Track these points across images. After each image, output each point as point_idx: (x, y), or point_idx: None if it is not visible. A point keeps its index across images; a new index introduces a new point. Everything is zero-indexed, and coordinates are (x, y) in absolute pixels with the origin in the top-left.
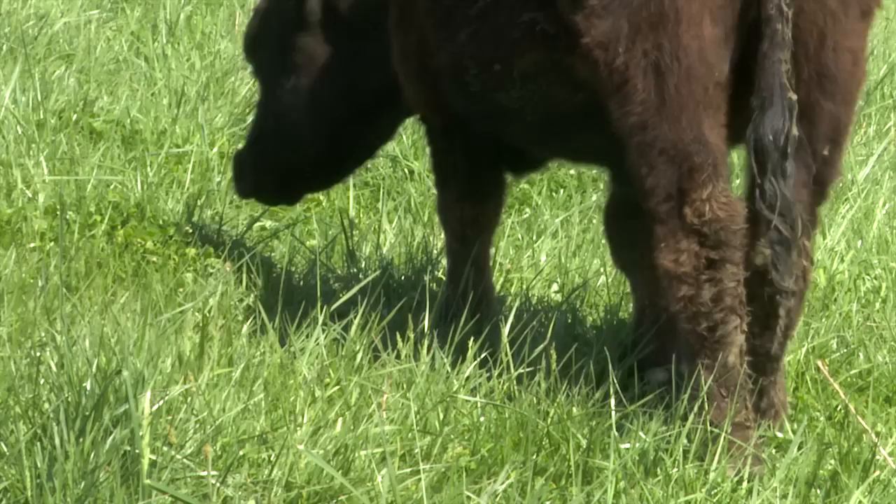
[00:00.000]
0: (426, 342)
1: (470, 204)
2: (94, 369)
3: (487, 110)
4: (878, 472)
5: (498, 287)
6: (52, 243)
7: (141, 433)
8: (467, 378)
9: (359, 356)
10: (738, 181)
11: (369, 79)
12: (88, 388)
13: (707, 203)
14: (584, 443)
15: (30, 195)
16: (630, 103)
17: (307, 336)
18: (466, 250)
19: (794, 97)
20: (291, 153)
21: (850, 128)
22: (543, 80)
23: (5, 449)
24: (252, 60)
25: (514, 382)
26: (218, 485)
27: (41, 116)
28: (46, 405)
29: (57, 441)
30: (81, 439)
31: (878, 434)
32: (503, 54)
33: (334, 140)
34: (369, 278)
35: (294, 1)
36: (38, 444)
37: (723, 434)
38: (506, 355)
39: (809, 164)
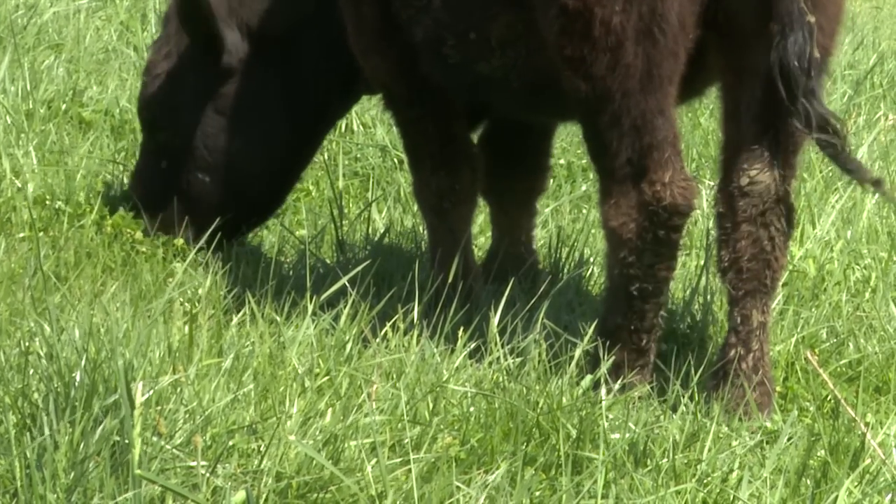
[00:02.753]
0: (416, 332)
1: (445, 173)
2: (83, 359)
3: (470, 81)
4: (867, 462)
5: None
6: (41, 233)
7: (131, 423)
8: (457, 368)
9: (348, 346)
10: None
11: (306, 94)
12: (78, 378)
13: (668, 188)
14: (573, 433)
15: (19, 185)
16: (617, 66)
17: (297, 326)
18: (445, 225)
19: (813, 20)
20: (240, 194)
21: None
22: (523, 46)
23: None
24: (160, 124)
25: (504, 372)
26: (208, 475)
27: (30, 106)
28: (36, 395)
29: (46, 431)
30: (71, 429)
31: (867, 424)
32: (478, 21)
33: (288, 164)
34: (359, 268)
35: (213, 53)
36: (28, 434)
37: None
38: (495, 345)
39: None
